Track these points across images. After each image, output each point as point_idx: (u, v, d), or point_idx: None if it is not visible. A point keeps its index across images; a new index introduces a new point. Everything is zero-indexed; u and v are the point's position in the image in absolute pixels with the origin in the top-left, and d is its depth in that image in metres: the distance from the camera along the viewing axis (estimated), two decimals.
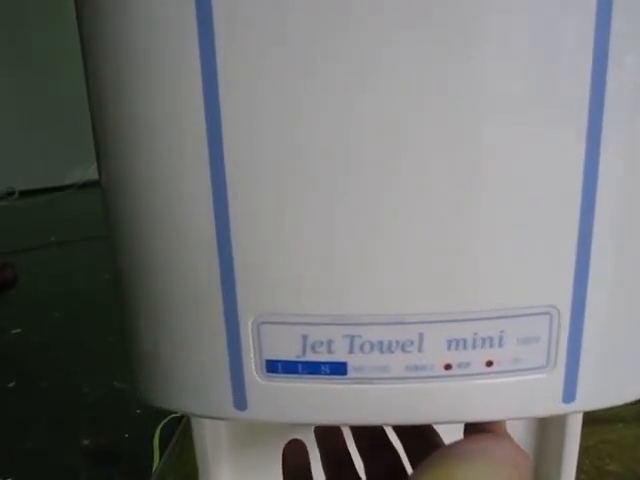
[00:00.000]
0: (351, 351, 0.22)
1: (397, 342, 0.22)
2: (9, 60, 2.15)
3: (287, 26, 0.19)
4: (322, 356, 0.22)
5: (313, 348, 0.22)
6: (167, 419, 0.81)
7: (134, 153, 0.22)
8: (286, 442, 0.31)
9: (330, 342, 0.22)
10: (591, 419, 0.31)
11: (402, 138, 0.20)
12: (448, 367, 0.22)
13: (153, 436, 0.80)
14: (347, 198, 0.20)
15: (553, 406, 0.23)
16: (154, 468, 0.74)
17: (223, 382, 0.23)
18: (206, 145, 0.21)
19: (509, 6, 0.19)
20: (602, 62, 0.19)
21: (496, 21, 0.19)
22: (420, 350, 0.22)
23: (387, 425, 0.29)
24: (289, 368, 0.22)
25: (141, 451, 0.79)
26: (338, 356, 0.22)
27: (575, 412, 0.26)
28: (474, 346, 0.22)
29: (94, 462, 0.80)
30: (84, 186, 2.10)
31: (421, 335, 0.21)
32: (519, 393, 0.22)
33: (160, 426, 0.81)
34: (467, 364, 0.22)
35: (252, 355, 0.22)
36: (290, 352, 0.22)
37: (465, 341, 0.21)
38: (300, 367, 0.22)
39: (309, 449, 0.31)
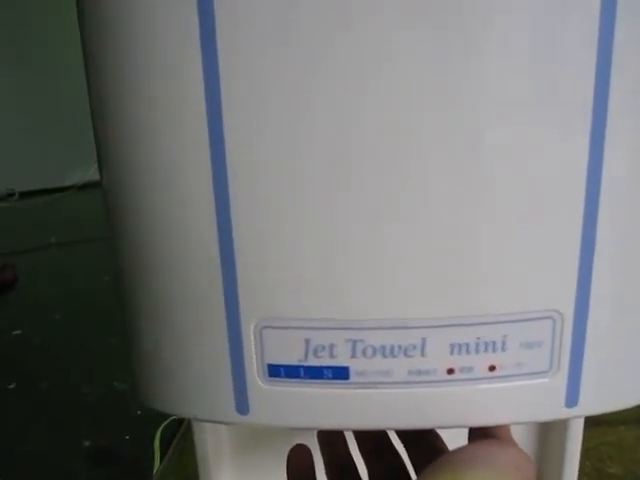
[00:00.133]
0: (353, 356, 0.22)
1: (400, 347, 0.21)
2: (9, 60, 2.15)
3: (288, 26, 0.19)
4: (324, 361, 0.22)
5: (315, 353, 0.22)
6: (168, 420, 0.81)
7: (135, 153, 0.22)
8: (288, 447, 0.31)
9: (332, 347, 0.22)
10: (592, 421, 0.31)
11: (405, 140, 0.20)
12: (451, 371, 0.22)
13: (154, 437, 0.80)
14: (350, 202, 0.20)
15: (556, 410, 0.23)
16: (154, 470, 0.74)
17: (225, 386, 0.23)
18: (208, 146, 0.20)
19: (513, 7, 0.19)
20: (606, 64, 0.19)
21: (498, 21, 0.19)
22: (423, 354, 0.22)
23: (390, 429, 0.29)
24: (291, 372, 0.22)
25: (141, 452, 0.79)
26: (340, 361, 0.22)
27: (578, 416, 0.26)
28: (477, 350, 0.21)
29: (94, 463, 0.80)
30: (84, 187, 2.10)
31: (424, 340, 0.21)
32: (522, 397, 0.22)
33: (161, 427, 0.81)
34: (470, 368, 0.22)
35: (254, 359, 0.22)
36: (292, 356, 0.22)
37: (468, 345, 0.21)
38: (302, 372, 0.22)
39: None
